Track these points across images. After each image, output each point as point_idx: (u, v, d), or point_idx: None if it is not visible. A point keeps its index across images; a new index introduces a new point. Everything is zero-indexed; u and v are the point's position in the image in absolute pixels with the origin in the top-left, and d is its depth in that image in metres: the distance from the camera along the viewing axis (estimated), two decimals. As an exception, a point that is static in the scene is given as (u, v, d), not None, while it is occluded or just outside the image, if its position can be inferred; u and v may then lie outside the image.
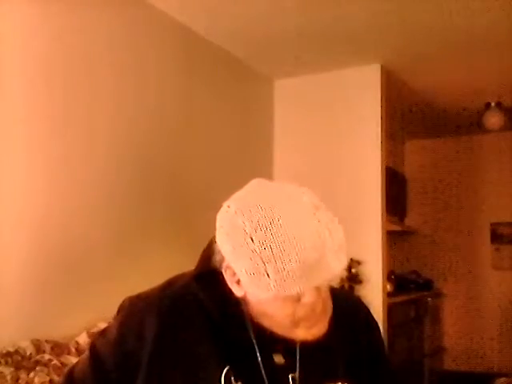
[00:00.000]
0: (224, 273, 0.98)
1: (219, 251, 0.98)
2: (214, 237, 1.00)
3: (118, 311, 1.09)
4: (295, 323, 0.96)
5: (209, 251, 1.03)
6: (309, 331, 0.97)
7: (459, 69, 3.85)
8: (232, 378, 0.98)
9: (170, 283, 1.09)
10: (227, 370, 0.99)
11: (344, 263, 0.93)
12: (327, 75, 3.85)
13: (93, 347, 1.08)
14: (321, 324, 0.98)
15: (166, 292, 1.07)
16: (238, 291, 0.98)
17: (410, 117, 4.97)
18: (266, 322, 0.99)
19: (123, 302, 1.10)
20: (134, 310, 1.06)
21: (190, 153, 3.14)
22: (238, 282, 0.97)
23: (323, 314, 0.98)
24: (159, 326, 1.01)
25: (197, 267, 1.07)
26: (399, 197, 5.49)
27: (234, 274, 0.96)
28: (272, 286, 0.89)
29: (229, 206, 0.97)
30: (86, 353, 1.09)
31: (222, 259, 0.98)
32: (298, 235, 0.89)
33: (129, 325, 1.04)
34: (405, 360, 4.36)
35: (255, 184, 1.01)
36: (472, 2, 2.86)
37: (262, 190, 0.98)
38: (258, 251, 0.90)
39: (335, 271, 0.92)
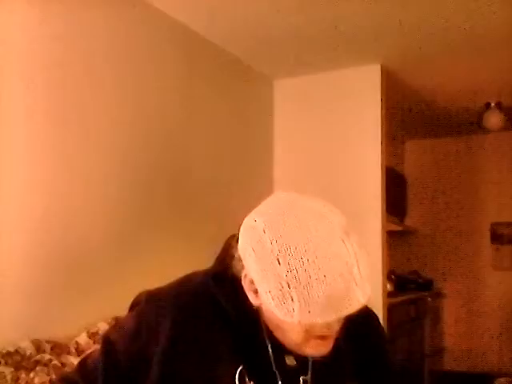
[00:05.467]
0: (243, 280, 0.97)
1: (240, 260, 0.96)
2: (230, 239, 0.99)
3: (132, 305, 1.10)
4: (307, 340, 0.95)
5: (226, 254, 1.03)
6: (316, 349, 0.97)
7: (459, 69, 3.85)
8: (246, 377, 0.99)
9: (185, 280, 1.10)
10: (241, 369, 0.99)
11: (368, 294, 0.91)
12: (327, 75, 3.85)
13: (106, 338, 1.08)
14: (328, 345, 0.97)
15: (182, 289, 1.07)
16: (254, 300, 0.97)
17: (410, 117, 4.97)
18: (278, 335, 0.99)
19: (138, 296, 1.10)
20: (151, 306, 1.06)
21: (190, 152, 3.14)
22: (256, 291, 0.95)
23: (336, 333, 0.97)
24: (174, 323, 1.01)
25: (213, 266, 1.07)
26: (399, 197, 5.49)
27: (252, 282, 0.95)
28: (296, 311, 0.87)
29: (255, 220, 0.94)
30: (100, 344, 1.09)
31: (242, 267, 0.96)
32: (326, 262, 0.87)
33: (145, 320, 1.04)
34: (405, 360, 4.36)
35: (283, 199, 0.98)
36: (472, 2, 2.86)
37: (292, 207, 0.94)
38: (285, 275, 0.87)
39: (360, 303, 0.90)
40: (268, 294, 0.90)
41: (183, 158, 3.10)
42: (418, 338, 4.84)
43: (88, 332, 2.22)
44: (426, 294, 5.22)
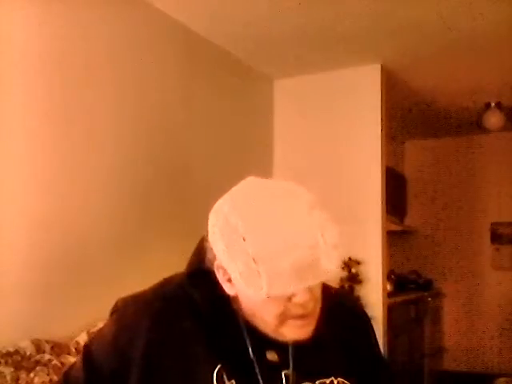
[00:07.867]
0: (216, 271, 0.98)
1: (211, 249, 0.97)
2: (205, 235, 0.99)
3: (112, 313, 1.10)
4: (283, 322, 0.96)
5: (200, 250, 1.03)
6: (295, 332, 0.97)
7: (459, 69, 3.85)
8: (224, 377, 0.98)
9: (162, 284, 1.09)
10: (219, 369, 0.98)
11: (336, 264, 0.92)
12: (327, 75, 3.85)
13: (86, 349, 1.08)
14: (308, 326, 0.98)
15: (158, 293, 1.07)
16: (229, 290, 0.98)
17: (410, 117, 4.97)
18: (256, 322, 0.99)
19: (116, 303, 1.10)
20: (128, 312, 1.05)
21: (190, 153, 3.14)
22: (230, 280, 0.96)
23: (312, 314, 0.98)
24: (152, 328, 1.01)
25: (188, 266, 1.07)
26: (399, 197, 5.49)
27: (226, 272, 0.95)
28: (264, 285, 0.88)
29: (221, 204, 0.97)
30: (80, 354, 1.09)
31: (214, 258, 0.97)
32: (291, 235, 0.89)
33: (122, 327, 1.04)
34: (405, 360, 4.36)
35: (249, 182, 1.00)
36: (472, 2, 2.86)
37: (257, 188, 0.97)
38: (251, 251, 0.89)
39: (327, 272, 0.91)
40: (235, 271, 0.91)
41: (183, 158, 3.10)
42: (417, 338, 4.84)
43: (88, 332, 2.22)
44: (426, 293, 5.22)
